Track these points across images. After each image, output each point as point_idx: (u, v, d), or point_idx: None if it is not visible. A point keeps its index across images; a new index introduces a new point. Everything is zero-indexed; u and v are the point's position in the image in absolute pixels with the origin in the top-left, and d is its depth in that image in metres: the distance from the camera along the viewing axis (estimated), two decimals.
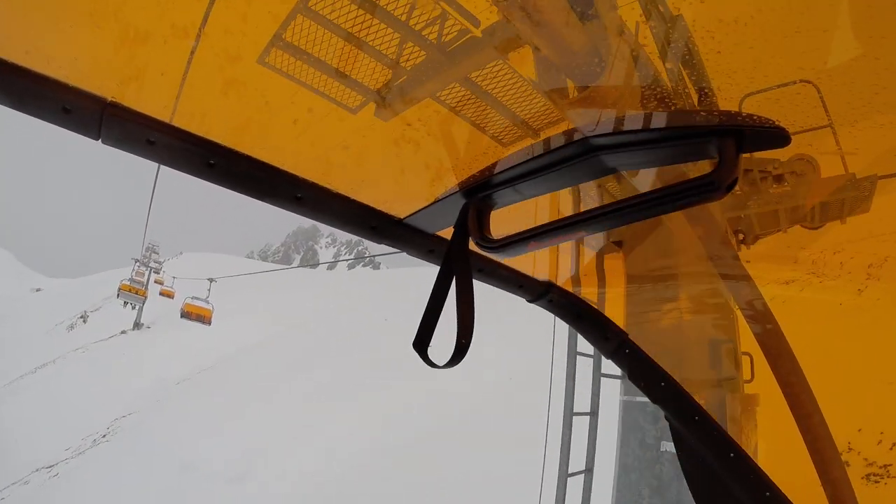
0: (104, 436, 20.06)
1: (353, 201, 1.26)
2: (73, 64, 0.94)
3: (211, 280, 25.34)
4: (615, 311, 1.73)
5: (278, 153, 1.15)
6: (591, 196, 1.28)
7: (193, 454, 15.00)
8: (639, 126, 0.87)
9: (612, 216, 0.92)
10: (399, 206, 1.32)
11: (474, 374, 12.79)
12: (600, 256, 1.71)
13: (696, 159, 0.87)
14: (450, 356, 1.06)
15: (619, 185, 1.25)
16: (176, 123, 1.05)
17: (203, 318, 24.40)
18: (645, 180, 1.10)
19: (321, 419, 14.39)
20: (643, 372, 1.64)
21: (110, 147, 1.06)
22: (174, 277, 33.53)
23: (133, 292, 29.19)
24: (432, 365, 1.10)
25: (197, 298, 24.48)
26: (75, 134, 0.97)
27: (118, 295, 29.11)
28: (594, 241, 1.67)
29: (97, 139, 1.04)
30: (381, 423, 13.08)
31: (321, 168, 1.20)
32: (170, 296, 31.66)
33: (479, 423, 11.59)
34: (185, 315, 24.26)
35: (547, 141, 1.02)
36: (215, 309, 24.30)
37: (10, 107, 0.99)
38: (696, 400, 1.58)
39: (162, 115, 1.03)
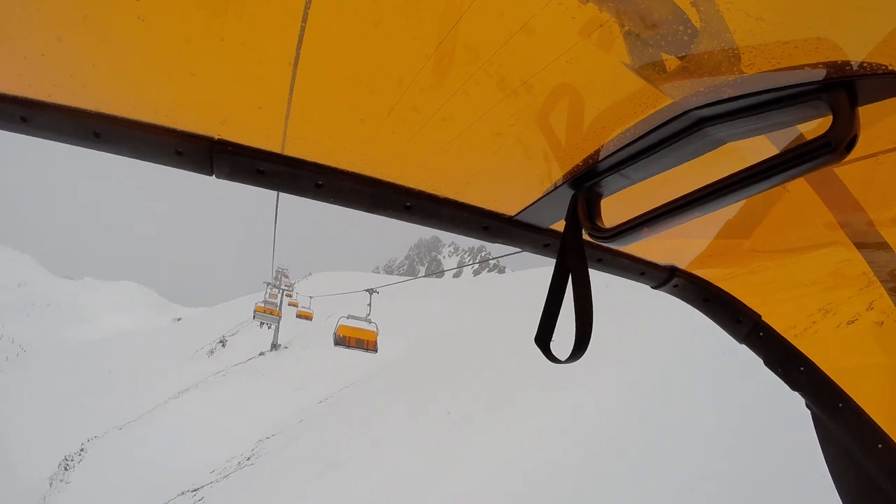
0: (248, 458, 18.73)
1: (462, 204, 1.33)
2: (178, 110, 1.05)
3: (371, 291, 16.35)
4: (745, 291, 1.64)
5: (382, 166, 1.21)
6: (701, 174, 1.04)
7: (342, 474, 13.06)
8: (742, 91, 0.81)
9: (726, 192, 0.87)
10: (508, 204, 1.35)
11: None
12: (723, 235, 1.45)
13: (808, 119, 0.80)
14: (570, 351, 1.05)
15: (729, 159, 1.04)
16: (281, 151, 1.15)
17: (366, 344, 14.29)
18: (756, 150, 0.96)
19: (476, 437, 11.95)
20: (780, 356, 1.61)
21: (224, 181, 1.22)
22: (310, 297, 33.62)
23: (268, 313, 29.73)
24: (555, 360, 1.12)
25: (354, 317, 13.85)
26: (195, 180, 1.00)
27: (254, 317, 29.62)
28: (714, 219, 1.34)
29: (211, 175, 1.16)
30: (546, 440, 10.55)
31: (426, 175, 1.24)
32: (308, 317, 30.76)
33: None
34: (342, 342, 13.88)
35: (648, 120, 0.96)
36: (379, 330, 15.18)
37: (129, 156, 1.14)
38: (839, 385, 1.55)
39: (267, 144, 1.13)
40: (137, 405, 34.01)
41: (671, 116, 0.91)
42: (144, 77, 0.97)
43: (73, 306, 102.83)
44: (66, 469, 25.76)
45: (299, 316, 30.90)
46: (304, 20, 0.82)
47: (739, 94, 0.81)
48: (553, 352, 1.14)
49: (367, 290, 17.35)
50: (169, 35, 0.87)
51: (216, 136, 1.10)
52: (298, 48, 0.86)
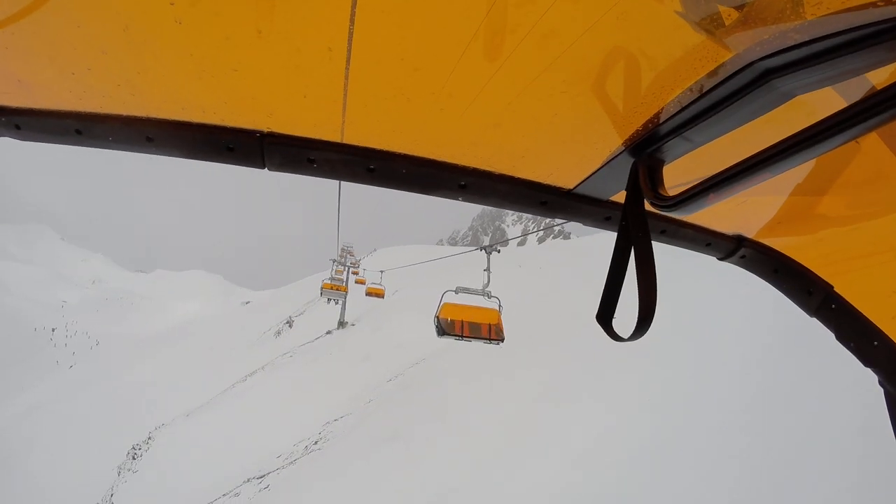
0: (316, 442, 17.06)
1: (518, 179, 1.31)
2: (225, 107, 1.08)
3: (489, 250, 10.16)
4: (816, 260, 1.57)
5: (434, 145, 1.20)
6: (768, 133, 0.97)
7: (414, 459, 11.62)
8: (810, 36, 0.74)
9: (794, 150, 0.79)
10: (566, 177, 1.32)
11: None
12: (792, 200, 1.37)
13: (884, 63, 0.71)
14: (633, 329, 1.02)
15: (796, 115, 0.96)
16: (331, 138, 1.17)
17: (487, 331, 8.23)
18: (826, 104, 0.87)
19: (555, 415, 10.37)
20: (853, 330, 1.52)
21: (275, 172, 1.28)
22: (381, 271, 30.56)
23: (335, 289, 28.55)
24: (617, 338, 1.11)
25: (466, 290, 8.52)
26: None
27: (321, 293, 28.43)
28: (782, 182, 1.29)
29: (263, 168, 1.20)
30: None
31: (479, 152, 1.22)
32: (379, 294, 28.26)
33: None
34: (449, 329, 7.89)
35: (709, 77, 0.90)
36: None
37: (182, 157, 1.18)
38: None
39: (316, 133, 1.15)
40: (205, 391, 33.62)
41: (734, 70, 0.85)
42: (188, 78, 1.00)
43: (145, 298, 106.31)
44: (133, 458, 25.15)
45: (369, 294, 28.54)
46: (354, 6, 0.80)
47: (807, 39, 0.73)
48: (615, 329, 1.12)
49: (483, 248, 10.94)
50: (207, 35, 0.88)
51: (265, 129, 1.14)
52: (350, 35, 0.86)
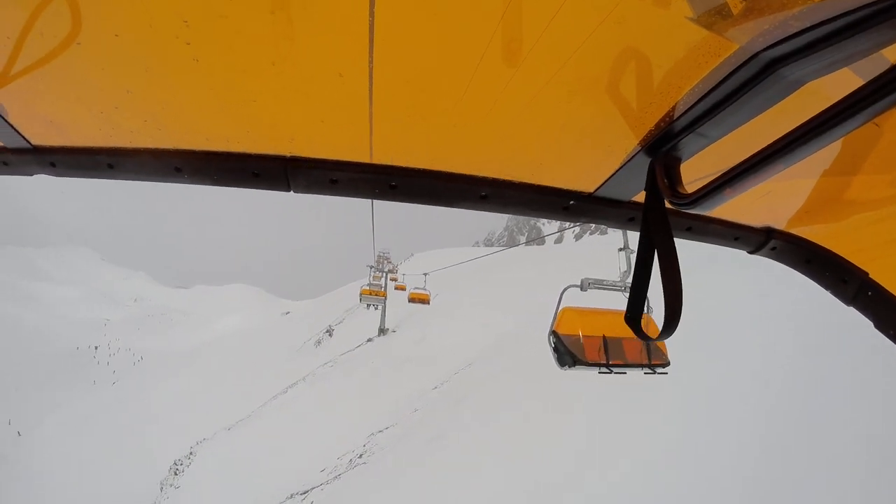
0: (360, 455, 16.14)
1: (539, 186, 1.32)
2: (248, 136, 1.13)
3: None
4: (850, 247, 1.55)
5: (452, 158, 1.22)
6: (784, 123, 0.93)
7: (465, 470, 10.59)
8: (812, 21, 0.72)
9: (810, 137, 0.78)
10: (586, 180, 1.32)
11: None
12: (819, 187, 1.34)
13: (894, 40, 0.69)
14: (661, 329, 1.02)
15: (812, 102, 0.92)
16: (351, 158, 1.20)
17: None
18: (841, 88, 0.81)
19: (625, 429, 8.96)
20: (892, 317, 1.49)
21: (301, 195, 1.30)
22: (425, 274, 28.97)
23: (373, 295, 28.80)
24: (646, 339, 1.13)
25: (598, 283, 4.82)
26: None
27: (360, 299, 28.77)
28: (807, 170, 1.26)
29: (288, 191, 1.23)
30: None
31: (497, 162, 1.24)
32: (424, 300, 25.93)
33: None
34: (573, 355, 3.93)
35: (716, 71, 0.90)
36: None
37: (210, 185, 1.23)
38: None
39: (336, 154, 1.19)
40: (246, 403, 33.27)
41: (739, 63, 0.85)
42: (211, 111, 1.05)
43: (186, 313, 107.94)
44: (175, 474, 24.75)
45: (413, 300, 26.29)
46: (372, 31, 0.83)
47: (808, 25, 0.72)
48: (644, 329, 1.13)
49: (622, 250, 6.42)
50: (224, 69, 0.93)
51: (288, 154, 1.18)
52: (370, 61, 0.89)
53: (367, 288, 29.76)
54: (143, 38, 0.87)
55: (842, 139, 0.80)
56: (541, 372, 12.76)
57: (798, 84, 0.82)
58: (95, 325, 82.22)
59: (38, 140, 1.23)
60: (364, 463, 15.19)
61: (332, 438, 19.38)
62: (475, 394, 15.29)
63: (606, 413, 9.79)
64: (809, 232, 1.56)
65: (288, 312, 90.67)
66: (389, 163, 1.20)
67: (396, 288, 32.26)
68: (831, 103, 0.73)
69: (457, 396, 16.21)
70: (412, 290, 26.43)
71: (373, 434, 17.66)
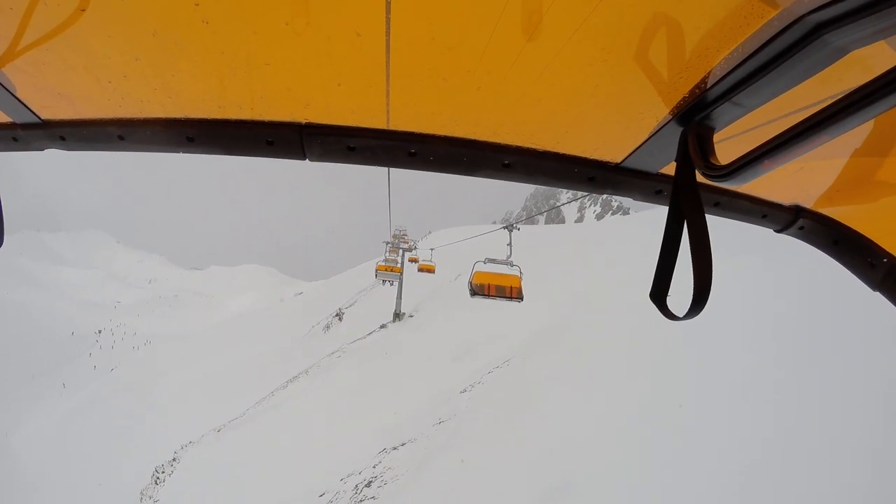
0: (369, 483, 12.31)
1: (563, 155, 1.28)
2: (261, 102, 1.09)
3: (510, 228, 12.43)
4: (880, 230, 1.47)
5: (474, 125, 1.18)
6: (823, 94, 0.98)
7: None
8: None
9: (853, 110, 0.73)
10: (613, 150, 1.28)
11: None
12: (852, 165, 1.29)
13: None
14: (688, 307, 0.99)
15: (853, 73, 0.92)
16: (368, 125, 1.16)
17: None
18: (885, 60, 0.83)
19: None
20: None
21: (316, 163, 1.25)
22: (431, 249, 30.05)
23: (389, 270, 28.60)
24: (672, 317, 1.08)
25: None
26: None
27: (376, 275, 28.10)
28: (841, 147, 1.21)
29: (304, 159, 1.21)
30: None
31: (521, 129, 1.20)
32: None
33: None
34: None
35: (756, 36, 0.86)
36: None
37: (223, 154, 1.20)
38: None
39: (354, 120, 1.15)
40: (243, 397, 30.79)
41: (781, 27, 0.80)
42: (222, 76, 1.02)
43: (200, 294, 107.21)
44: (156, 482, 21.54)
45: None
46: None
47: None
48: (670, 307, 1.10)
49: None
50: (235, 31, 0.90)
51: (303, 121, 1.14)
52: (388, 20, 0.86)
53: (384, 264, 29.52)
54: (150, 1, 0.84)
55: (876, 117, 0.72)
56: (589, 375, 10.81)
57: (843, 52, 0.76)
58: (106, 309, 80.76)
59: (47, 114, 1.21)
60: (374, 497, 11.29)
61: (334, 453, 15.66)
62: (515, 400, 11.87)
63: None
64: (839, 212, 1.50)
65: (301, 293, 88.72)
66: (408, 129, 1.17)
67: (410, 259, 33.67)
68: (874, 74, 0.67)
69: (490, 405, 12.55)
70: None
71: (385, 451, 13.83)
